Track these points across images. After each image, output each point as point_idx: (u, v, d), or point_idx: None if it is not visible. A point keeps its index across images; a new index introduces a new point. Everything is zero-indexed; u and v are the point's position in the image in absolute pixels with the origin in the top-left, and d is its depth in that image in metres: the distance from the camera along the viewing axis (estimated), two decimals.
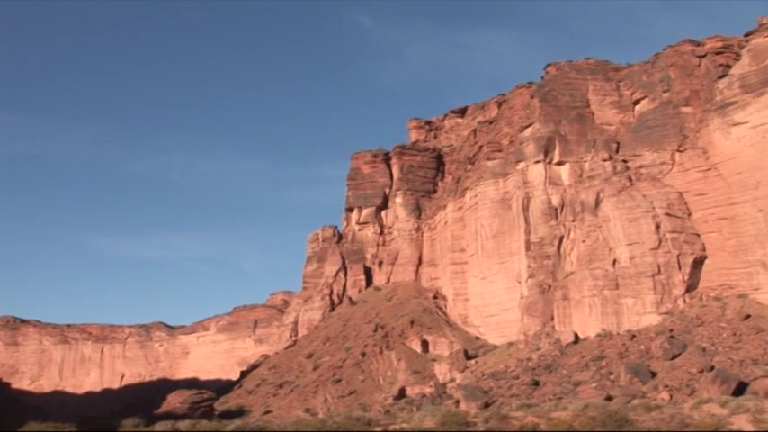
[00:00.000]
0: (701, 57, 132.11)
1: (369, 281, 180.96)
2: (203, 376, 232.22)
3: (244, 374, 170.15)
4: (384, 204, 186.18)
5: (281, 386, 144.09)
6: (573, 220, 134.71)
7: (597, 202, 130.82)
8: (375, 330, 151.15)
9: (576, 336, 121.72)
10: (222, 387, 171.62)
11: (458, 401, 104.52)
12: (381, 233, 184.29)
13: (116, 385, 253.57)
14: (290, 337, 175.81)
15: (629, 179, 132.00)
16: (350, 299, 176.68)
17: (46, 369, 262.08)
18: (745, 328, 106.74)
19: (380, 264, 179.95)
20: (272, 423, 71.48)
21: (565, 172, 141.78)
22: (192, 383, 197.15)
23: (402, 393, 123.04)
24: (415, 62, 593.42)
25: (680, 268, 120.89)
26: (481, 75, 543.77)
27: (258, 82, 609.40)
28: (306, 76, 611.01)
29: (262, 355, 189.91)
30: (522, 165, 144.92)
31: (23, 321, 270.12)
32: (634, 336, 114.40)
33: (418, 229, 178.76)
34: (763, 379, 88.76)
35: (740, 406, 60.02)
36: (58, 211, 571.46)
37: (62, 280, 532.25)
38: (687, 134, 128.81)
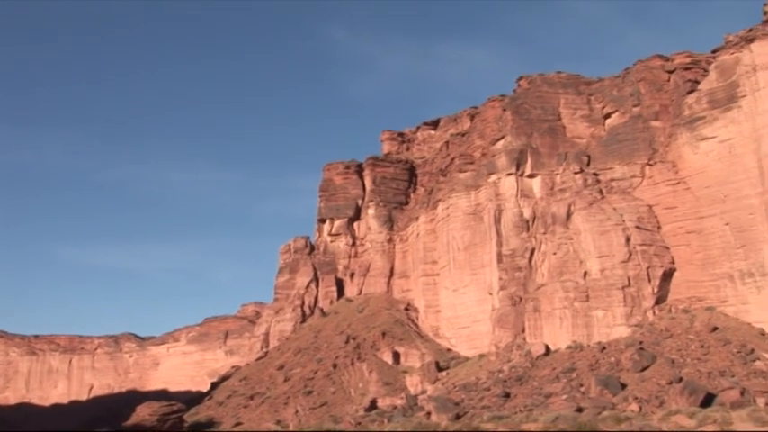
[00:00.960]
0: (671, 72, 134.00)
1: (340, 292, 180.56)
2: (173, 388, 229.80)
3: (214, 386, 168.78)
4: (356, 216, 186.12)
5: (251, 398, 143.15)
6: (544, 233, 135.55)
7: (568, 215, 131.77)
8: (346, 342, 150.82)
9: (547, 348, 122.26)
10: (192, 398, 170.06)
11: (429, 413, 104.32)
12: (353, 244, 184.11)
13: (84, 397, 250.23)
14: (261, 348, 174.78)
15: (600, 192, 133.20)
16: (321, 310, 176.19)
17: (12, 381, 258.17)
18: (712, 340, 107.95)
19: (352, 275, 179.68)
20: None
21: (536, 184, 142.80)
22: (161, 395, 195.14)
23: (373, 405, 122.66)
24: (387, 74, 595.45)
25: (649, 281, 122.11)
26: (453, 87, 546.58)
27: (231, 93, 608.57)
28: (278, 88, 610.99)
29: (232, 367, 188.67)
30: (494, 177, 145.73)
31: None
32: (604, 348, 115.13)
33: (390, 241, 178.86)
34: (730, 390, 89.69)
35: (708, 417, 60.74)
36: (27, 219, 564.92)
37: (30, 290, 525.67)
38: (657, 148, 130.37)
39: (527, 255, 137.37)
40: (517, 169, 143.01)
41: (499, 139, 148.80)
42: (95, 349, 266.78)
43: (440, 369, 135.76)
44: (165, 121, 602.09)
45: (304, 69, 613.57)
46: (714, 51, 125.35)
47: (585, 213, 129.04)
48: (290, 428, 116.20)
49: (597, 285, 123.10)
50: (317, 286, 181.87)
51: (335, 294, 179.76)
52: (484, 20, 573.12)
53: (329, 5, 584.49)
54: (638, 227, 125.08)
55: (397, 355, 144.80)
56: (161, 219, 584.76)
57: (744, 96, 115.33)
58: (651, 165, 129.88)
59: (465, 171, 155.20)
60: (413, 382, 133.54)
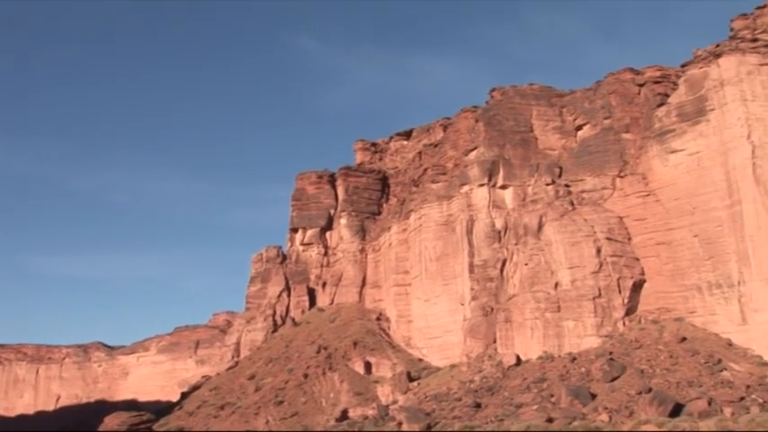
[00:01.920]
0: (641, 85, 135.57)
1: (312, 302, 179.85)
2: (143, 398, 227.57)
3: (184, 396, 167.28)
4: (329, 225, 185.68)
5: (222, 408, 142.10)
6: (516, 244, 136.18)
7: (540, 226, 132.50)
8: (318, 352, 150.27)
9: (518, 358, 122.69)
10: (162, 409, 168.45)
11: (400, 423, 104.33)
12: (326, 254, 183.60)
13: (51, 408, 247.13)
14: (232, 358, 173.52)
15: (572, 203, 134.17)
16: (293, 320, 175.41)
17: None
18: (681, 351, 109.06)
19: (324, 285, 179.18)
20: None
21: (508, 195, 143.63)
22: (130, 405, 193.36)
23: (344, 415, 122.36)
24: (359, 85, 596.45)
25: (620, 292, 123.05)
26: (426, 99, 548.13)
27: (203, 102, 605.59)
28: (249, 97, 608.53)
29: (203, 377, 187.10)
30: (466, 188, 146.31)
31: None
32: (575, 358, 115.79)
33: (362, 251, 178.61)
34: (698, 400, 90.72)
35: (676, 427, 61.35)
36: None
37: None
38: (627, 160, 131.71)
39: (499, 265, 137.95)
40: (489, 180, 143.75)
41: (472, 150, 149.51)
42: (63, 359, 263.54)
43: (411, 379, 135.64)
44: (136, 129, 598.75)
45: (276, 79, 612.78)
46: (683, 65, 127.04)
47: (557, 224, 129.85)
48: None
49: (568, 296, 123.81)
50: (289, 296, 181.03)
51: (307, 304, 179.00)
52: (455, 33, 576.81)
53: (301, 17, 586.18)
54: (608, 238, 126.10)
55: (368, 366, 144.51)
56: (132, 228, 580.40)
57: (712, 110, 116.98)
58: (622, 177, 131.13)
59: (437, 181, 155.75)
60: (384, 393, 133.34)
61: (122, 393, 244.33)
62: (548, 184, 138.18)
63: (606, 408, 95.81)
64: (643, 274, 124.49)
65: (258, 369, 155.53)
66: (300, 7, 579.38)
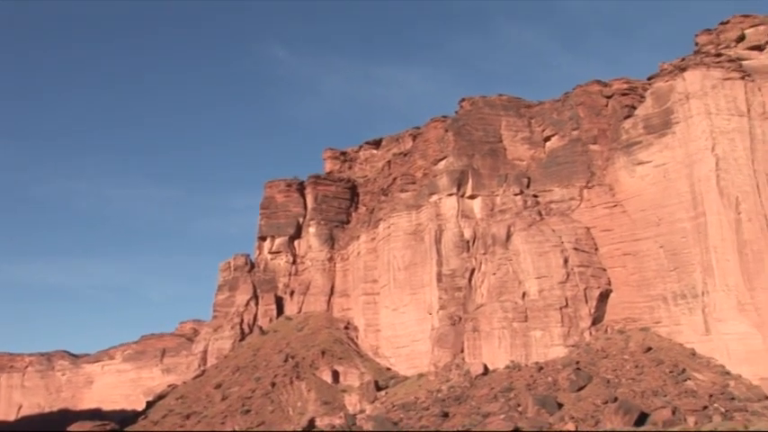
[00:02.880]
0: (609, 97, 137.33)
1: (280, 310, 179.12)
2: (107, 407, 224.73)
3: (150, 405, 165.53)
4: (297, 234, 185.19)
5: (188, 417, 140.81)
6: (484, 253, 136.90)
7: (508, 236, 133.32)
8: (285, 360, 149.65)
9: (486, 367, 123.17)
10: (127, 418, 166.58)
11: None
12: (294, 263, 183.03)
13: (12, 417, 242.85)
14: (199, 366, 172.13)
15: (540, 214, 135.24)
16: (260, 328, 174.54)
17: None
18: (646, 361, 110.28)
19: (292, 293, 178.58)
20: None
21: (477, 205, 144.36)
22: (95, 414, 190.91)
23: (312, 424, 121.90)
24: (328, 94, 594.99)
25: (587, 302, 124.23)
26: (394, 109, 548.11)
27: (170, 109, 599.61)
28: (219, 105, 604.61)
29: (169, 385, 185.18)
30: (435, 197, 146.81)
31: None
32: (542, 368, 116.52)
33: (331, 260, 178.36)
34: (662, 410, 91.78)
35: None
36: None
37: None
38: (595, 171, 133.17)
39: (467, 275, 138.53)
40: (458, 190, 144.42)
41: (441, 160, 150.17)
42: (26, 367, 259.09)
43: (379, 388, 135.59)
44: (100, 136, 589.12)
45: (246, 88, 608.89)
46: (650, 78, 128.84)
47: (525, 234, 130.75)
48: None
49: (535, 306, 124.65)
50: (257, 304, 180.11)
51: (275, 312, 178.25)
52: (425, 44, 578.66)
53: (270, 26, 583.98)
54: (576, 248, 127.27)
55: (336, 374, 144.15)
56: (96, 234, 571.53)
57: (677, 123, 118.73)
58: (589, 187, 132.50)
59: (406, 191, 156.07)
60: (352, 402, 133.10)
61: (87, 402, 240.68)
62: (516, 195, 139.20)
63: (572, 417, 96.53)
64: (609, 284, 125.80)
65: (225, 378, 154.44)
66: (271, 17, 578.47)
